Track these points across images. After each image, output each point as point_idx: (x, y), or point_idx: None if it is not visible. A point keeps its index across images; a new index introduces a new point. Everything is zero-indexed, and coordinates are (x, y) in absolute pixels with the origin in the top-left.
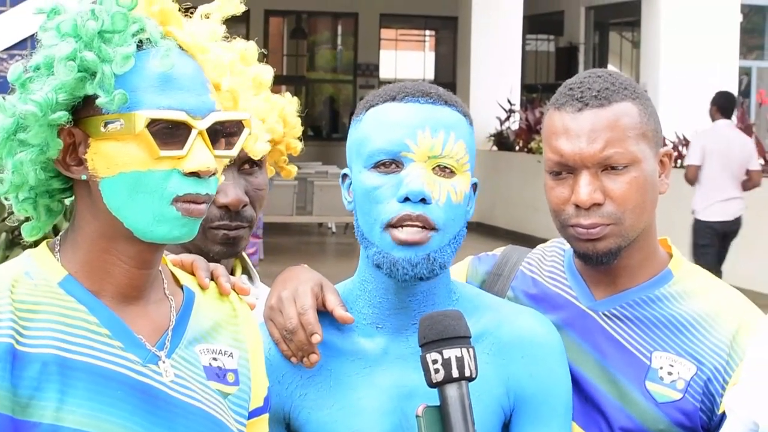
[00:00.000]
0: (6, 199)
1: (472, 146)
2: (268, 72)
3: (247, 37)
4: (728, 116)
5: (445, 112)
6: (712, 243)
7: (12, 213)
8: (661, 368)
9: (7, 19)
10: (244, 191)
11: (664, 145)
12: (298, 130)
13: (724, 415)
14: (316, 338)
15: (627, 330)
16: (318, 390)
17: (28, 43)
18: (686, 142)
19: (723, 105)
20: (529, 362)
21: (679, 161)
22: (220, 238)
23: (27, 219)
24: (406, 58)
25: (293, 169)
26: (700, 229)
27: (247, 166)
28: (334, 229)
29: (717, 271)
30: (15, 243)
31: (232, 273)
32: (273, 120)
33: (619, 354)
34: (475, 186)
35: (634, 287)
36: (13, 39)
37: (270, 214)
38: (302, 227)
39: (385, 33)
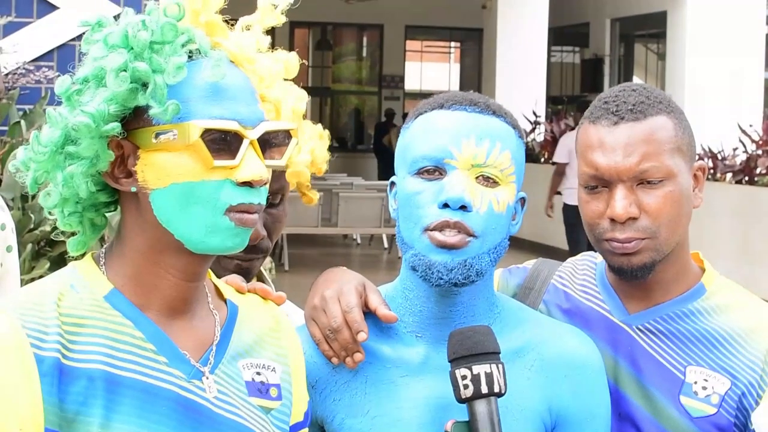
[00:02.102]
0: (50, 213)
1: (520, 158)
2: (303, 100)
3: (272, 50)
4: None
5: (492, 121)
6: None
7: (39, 225)
8: (696, 383)
9: (33, 31)
10: (263, 224)
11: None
12: (325, 165)
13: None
14: (362, 336)
15: (661, 344)
16: (353, 396)
17: (55, 55)
18: (712, 154)
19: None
20: (573, 383)
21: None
22: (233, 267)
23: (52, 231)
24: (431, 70)
25: (315, 196)
26: (569, 211)
27: (269, 199)
28: (359, 241)
29: (584, 245)
30: (41, 254)
31: None
32: (307, 159)
33: (653, 368)
34: (523, 200)
35: (667, 301)
36: (39, 51)
37: (295, 226)
38: (327, 239)
39: (411, 45)
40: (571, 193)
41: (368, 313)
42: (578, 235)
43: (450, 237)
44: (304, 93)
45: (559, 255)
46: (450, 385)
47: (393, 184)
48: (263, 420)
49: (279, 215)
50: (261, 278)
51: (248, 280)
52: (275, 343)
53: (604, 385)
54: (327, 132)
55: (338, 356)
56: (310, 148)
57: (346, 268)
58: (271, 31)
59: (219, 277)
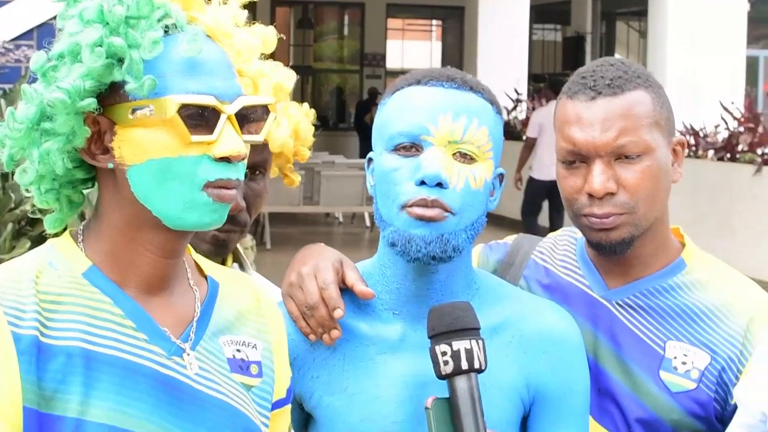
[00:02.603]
0: (27, 191)
1: (498, 134)
2: (291, 78)
3: (250, 24)
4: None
5: (469, 97)
6: (541, 196)
7: (20, 204)
8: (675, 358)
9: (13, 10)
10: (243, 196)
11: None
12: (310, 140)
13: (737, 405)
14: (338, 313)
15: (641, 319)
16: (330, 373)
17: (34, 33)
18: (694, 131)
19: (556, 90)
20: (551, 359)
21: (687, 150)
22: (210, 239)
23: (34, 211)
24: (412, 48)
25: (297, 178)
26: (534, 185)
27: (251, 173)
28: (341, 219)
29: (535, 219)
30: (21, 233)
31: (224, 262)
32: (286, 133)
33: (632, 343)
34: (501, 177)
35: (647, 276)
36: (19, 30)
37: (277, 204)
38: (309, 217)
39: (392, 23)
40: (541, 168)
41: (345, 290)
42: (531, 207)
43: (428, 210)
44: (292, 72)
45: (540, 234)
46: (428, 362)
47: (370, 160)
48: (245, 397)
49: (260, 190)
50: (237, 256)
51: (225, 253)
52: (256, 319)
53: (582, 360)
54: (313, 111)
55: (315, 333)
56: (295, 122)
57: (325, 245)
58: (252, 10)
59: (195, 246)
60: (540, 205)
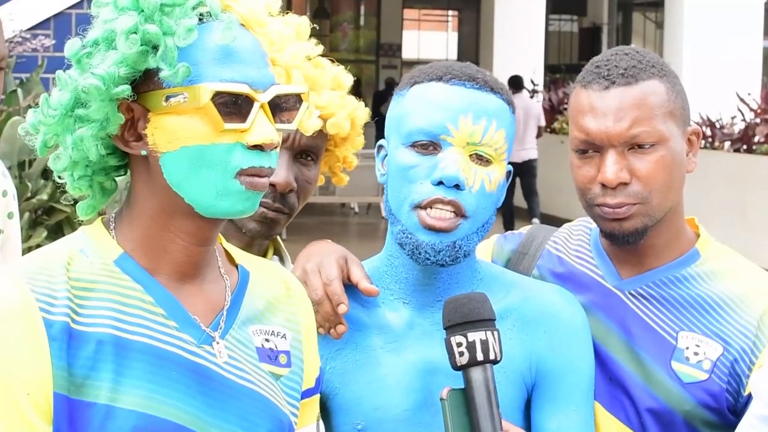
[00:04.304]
0: (60, 177)
1: (512, 135)
2: (348, 78)
3: (283, 13)
4: (519, 91)
5: (490, 99)
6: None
7: (36, 194)
8: (687, 348)
9: (30, 0)
10: (294, 177)
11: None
12: (360, 141)
13: (750, 396)
14: (342, 308)
15: (653, 309)
16: (345, 363)
17: (51, 23)
18: (710, 123)
19: (515, 84)
20: (551, 337)
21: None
22: (258, 216)
23: (51, 199)
24: (428, 39)
25: (346, 178)
26: None
27: (303, 157)
28: (356, 209)
29: (511, 197)
30: (38, 222)
31: (265, 254)
32: (342, 116)
33: (645, 333)
34: (509, 174)
35: (660, 266)
36: (36, 19)
37: None
38: (325, 207)
39: (408, 13)
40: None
41: None
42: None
43: (439, 221)
44: (349, 75)
45: (556, 224)
46: (436, 348)
47: (381, 147)
48: (273, 386)
49: (310, 177)
50: (278, 249)
51: (271, 233)
52: (287, 309)
53: (585, 340)
54: (368, 110)
55: (323, 327)
56: (353, 108)
57: (330, 241)
58: None
59: (242, 225)
60: (513, 184)
